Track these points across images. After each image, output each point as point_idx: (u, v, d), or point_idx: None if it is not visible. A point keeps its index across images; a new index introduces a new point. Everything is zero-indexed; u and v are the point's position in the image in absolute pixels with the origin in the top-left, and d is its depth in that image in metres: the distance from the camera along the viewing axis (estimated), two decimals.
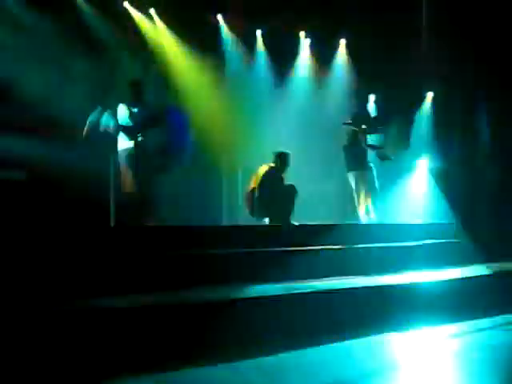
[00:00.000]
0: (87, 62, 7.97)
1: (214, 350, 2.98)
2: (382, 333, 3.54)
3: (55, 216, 6.14)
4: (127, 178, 6.58)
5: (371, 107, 9.69)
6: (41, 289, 3.40)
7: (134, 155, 6.56)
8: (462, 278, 4.54)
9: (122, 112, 6.68)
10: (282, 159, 7.21)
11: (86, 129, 6.53)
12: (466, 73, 9.34)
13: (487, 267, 5.23)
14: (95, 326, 2.92)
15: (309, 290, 3.77)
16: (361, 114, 8.08)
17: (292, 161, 7.27)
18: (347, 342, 3.34)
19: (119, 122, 6.60)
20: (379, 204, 7.70)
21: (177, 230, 4.99)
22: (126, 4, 8.97)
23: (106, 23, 8.40)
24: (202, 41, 9.34)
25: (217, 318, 3.19)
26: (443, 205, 8.67)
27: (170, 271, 3.90)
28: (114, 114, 6.63)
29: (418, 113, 9.95)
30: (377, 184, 7.79)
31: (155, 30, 9.22)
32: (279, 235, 5.42)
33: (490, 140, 9.29)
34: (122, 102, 6.72)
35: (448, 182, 9.29)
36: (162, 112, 6.93)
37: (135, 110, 6.68)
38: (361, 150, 7.79)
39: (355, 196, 7.82)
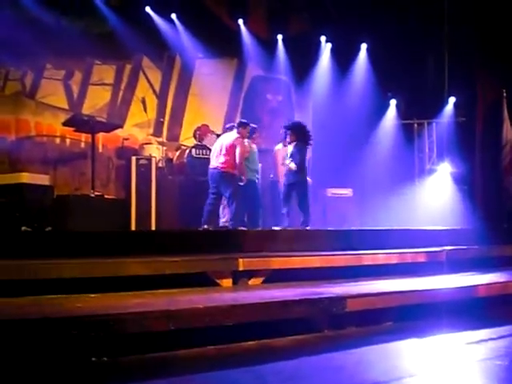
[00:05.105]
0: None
1: None
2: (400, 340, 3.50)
3: None
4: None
5: None
6: None
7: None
8: (480, 285, 4.48)
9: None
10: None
11: None
12: (488, 77, 9.26)
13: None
14: None
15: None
16: None
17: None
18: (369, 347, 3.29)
19: None
20: None
21: None
22: (148, 9, 9.07)
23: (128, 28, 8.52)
24: (223, 46, 9.41)
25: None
26: (465, 209, 8.58)
27: None
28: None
29: (439, 117, 9.83)
30: None
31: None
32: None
33: None
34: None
35: (470, 186, 9.20)
36: None
37: None
38: None
39: None
